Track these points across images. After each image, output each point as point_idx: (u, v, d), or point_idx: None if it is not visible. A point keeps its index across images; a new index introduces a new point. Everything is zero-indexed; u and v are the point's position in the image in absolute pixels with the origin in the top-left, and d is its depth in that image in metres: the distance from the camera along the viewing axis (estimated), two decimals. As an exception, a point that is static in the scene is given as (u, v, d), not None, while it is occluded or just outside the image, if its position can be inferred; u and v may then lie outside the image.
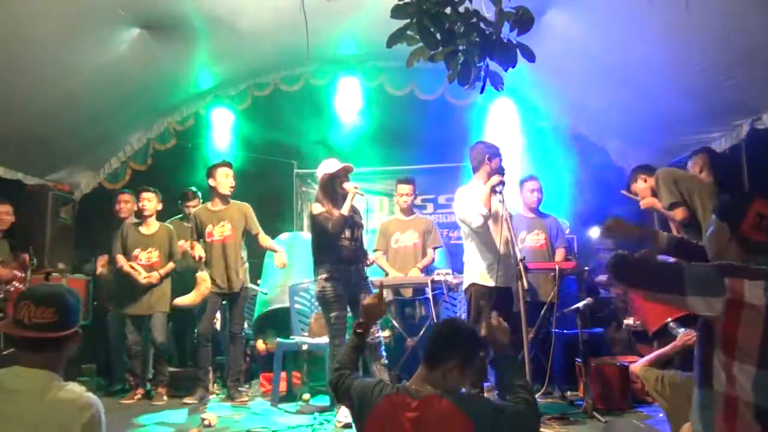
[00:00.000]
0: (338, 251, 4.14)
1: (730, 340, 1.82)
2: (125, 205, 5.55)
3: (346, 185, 4.19)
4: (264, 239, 5.12)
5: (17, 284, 4.68)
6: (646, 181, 4.14)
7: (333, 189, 4.22)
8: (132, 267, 5.13)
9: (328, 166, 4.26)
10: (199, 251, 4.83)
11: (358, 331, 2.27)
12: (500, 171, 4.06)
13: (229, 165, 5.09)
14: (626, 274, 2.03)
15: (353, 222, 4.24)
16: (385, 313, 2.40)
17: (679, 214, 3.76)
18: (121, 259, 5.17)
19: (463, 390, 1.96)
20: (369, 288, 4.25)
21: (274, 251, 5.03)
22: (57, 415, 1.66)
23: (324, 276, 4.11)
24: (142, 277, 5.10)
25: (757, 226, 1.96)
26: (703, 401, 1.89)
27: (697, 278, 1.89)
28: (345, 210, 4.11)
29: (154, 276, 5.14)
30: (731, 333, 1.83)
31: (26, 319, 1.75)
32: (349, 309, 4.21)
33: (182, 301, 4.87)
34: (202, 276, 4.83)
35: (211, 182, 5.01)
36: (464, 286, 4.18)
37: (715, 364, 1.85)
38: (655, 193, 4.02)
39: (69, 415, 1.67)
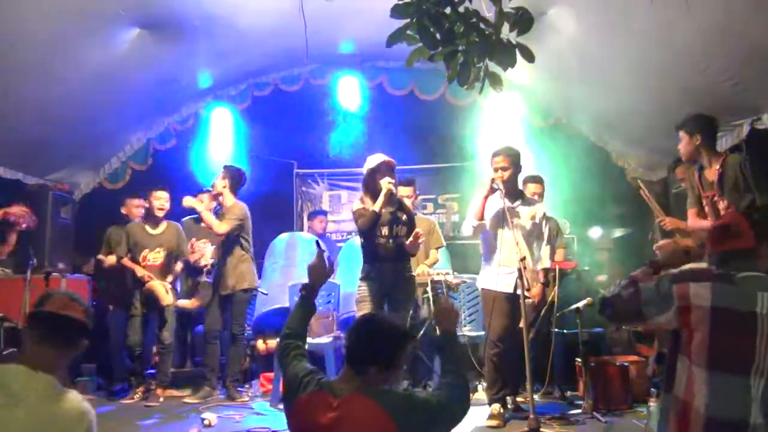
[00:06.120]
0: (374, 249, 4.03)
1: (688, 345, 1.86)
2: (137, 210, 5.44)
3: (382, 181, 4.00)
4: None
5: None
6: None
7: (373, 184, 4.07)
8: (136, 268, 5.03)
9: (371, 161, 4.12)
10: (206, 259, 4.83)
11: (303, 293, 2.26)
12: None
13: (226, 168, 5.13)
14: (609, 313, 2.07)
15: (394, 219, 4.08)
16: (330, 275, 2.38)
17: None
18: (127, 262, 5.05)
19: (387, 385, 1.91)
20: (410, 288, 4.13)
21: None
22: (59, 424, 1.73)
23: (361, 275, 4.08)
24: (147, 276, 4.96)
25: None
26: (664, 405, 1.95)
27: (649, 296, 1.94)
28: (377, 206, 3.96)
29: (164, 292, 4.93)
30: (688, 338, 1.87)
31: (59, 309, 1.85)
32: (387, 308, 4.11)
33: (183, 303, 4.92)
34: (205, 283, 4.87)
35: None
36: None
37: (678, 370, 1.89)
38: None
39: (71, 424, 1.74)
